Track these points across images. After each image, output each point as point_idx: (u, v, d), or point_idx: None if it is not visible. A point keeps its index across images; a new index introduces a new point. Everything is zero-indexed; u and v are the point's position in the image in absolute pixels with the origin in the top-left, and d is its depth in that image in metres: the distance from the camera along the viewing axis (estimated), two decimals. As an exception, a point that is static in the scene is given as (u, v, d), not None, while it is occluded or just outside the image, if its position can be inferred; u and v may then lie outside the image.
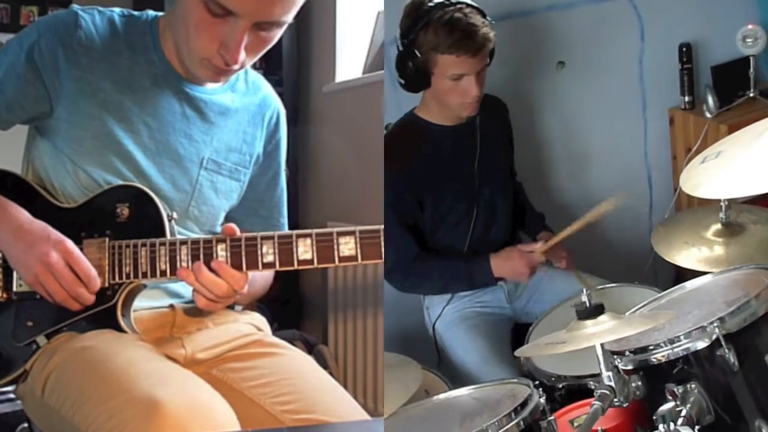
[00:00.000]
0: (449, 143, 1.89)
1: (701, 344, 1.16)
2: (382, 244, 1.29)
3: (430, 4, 1.74)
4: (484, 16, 1.76)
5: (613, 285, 1.84)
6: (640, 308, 1.41)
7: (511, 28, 1.97)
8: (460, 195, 1.91)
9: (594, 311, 1.19)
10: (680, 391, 1.16)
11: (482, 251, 1.94)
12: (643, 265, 2.05)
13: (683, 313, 1.27)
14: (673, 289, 1.43)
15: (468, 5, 1.76)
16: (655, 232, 1.71)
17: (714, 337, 1.15)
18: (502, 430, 1.17)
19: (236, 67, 1.32)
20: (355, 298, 2.62)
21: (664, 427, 1.11)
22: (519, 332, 1.91)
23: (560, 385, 1.54)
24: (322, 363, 2.62)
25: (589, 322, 1.19)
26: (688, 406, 1.14)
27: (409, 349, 1.68)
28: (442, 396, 1.46)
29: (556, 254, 2.00)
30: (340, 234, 1.29)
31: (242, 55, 1.29)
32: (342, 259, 1.29)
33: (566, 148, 2.43)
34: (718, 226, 1.63)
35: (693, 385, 1.16)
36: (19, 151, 1.49)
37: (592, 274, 1.96)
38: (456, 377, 1.77)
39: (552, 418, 1.25)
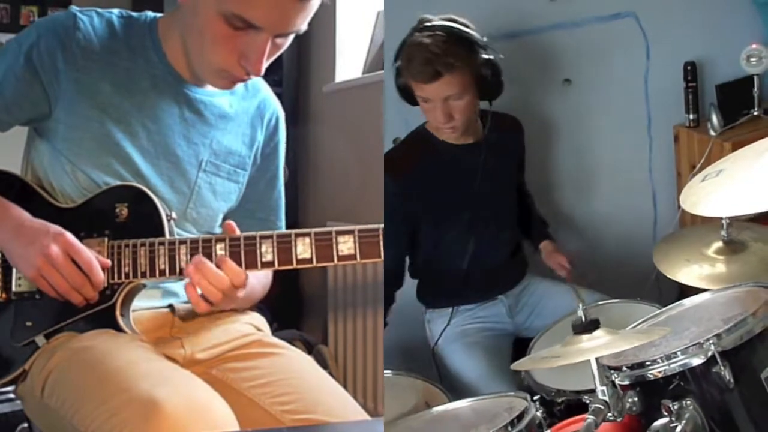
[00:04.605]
0: (453, 160, 1.90)
1: (697, 361, 1.16)
2: (381, 242, 1.29)
3: (422, 25, 1.76)
4: (464, 42, 1.74)
5: (615, 301, 1.84)
6: (638, 324, 1.41)
7: (518, 47, 1.98)
8: (459, 212, 1.91)
9: (589, 326, 1.20)
10: (676, 407, 1.16)
11: (483, 268, 1.94)
12: (646, 282, 2.06)
13: (680, 329, 1.27)
14: (672, 305, 1.43)
15: (449, 31, 1.74)
16: (657, 249, 1.70)
17: (710, 353, 1.15)
18: None
19: (258, 76, 1.34)
20: (355, 298, 2.62)
21: None
22: (521, 347, 1.91)
23: (560, 400, 1.53)
24: (322, 363, 2.62)
25: (584, 337, 1.20)
26: (684, 422, 1.14)
27: (410, 362, 1.69)
28: (440, 408, 1.47)
29: (558, 263, 2.00)
30: (339, 233, 1.29)
31: (264, 65, 1.30)
32: (341, 258, 1.29)
33: (571, 164, 2.44)
34: (720, 243, 1.62)
35: (689, 402, 1.16)
36: (19, 152, 1.49)
37: (594, 290, 1.95)
38: (456, 392, 1.78)
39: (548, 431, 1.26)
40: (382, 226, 1.29)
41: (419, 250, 1.95)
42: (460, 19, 1.78)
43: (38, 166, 1.42)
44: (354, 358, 2.64)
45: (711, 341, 1.15)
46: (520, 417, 1.24)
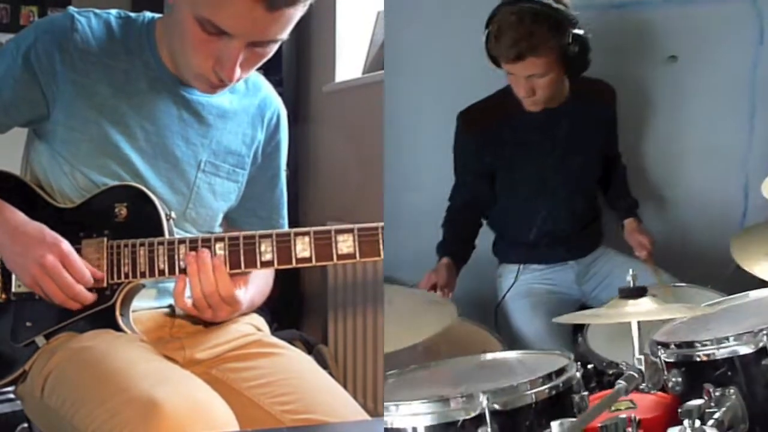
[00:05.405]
0: (531, 123, 1.91)
1: (747, 349, 1.14)
2: (381, 241, 1.29)
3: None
4: (552, 21, 1.74)
5: (683, 285, 1.83)
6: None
7: (625, 19, 1.94)
8: (533, 174, 1.93)
9: (636, 292, 1.21)
10: (717, 393, 1.15)
11: (553, 232, 1.97)
12: (724, 271, 2.05)
13: (738, 318, 1.26)
14: (736, 295, 1.42)
15: (536, 9, 1.74)
16: (735, 239, 1.64)
17: (761, 344, 1.13)
18: (533, 391, 1.16)
19: (231, 83, 1.33)
20: (355, 298, 2.62)
21: (688, 423, 1.07)
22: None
23: (611, 371, 1.53)
24: (322, 363, 2.62)
25: (629, 302, 1.20)
26: (723, 410, 1.12)
27: (481, 315, 1.67)
28: (489, 356, 1.46)
29: (639, 242, 1.99)
30: (339, 232, 1.29)
31: (237, 72, 1.29)
32: (340, 257, 1.29)
33: (664, 143, 2.40)
34: None
35: (732, 391, 1.15)
36: (19, 153, 1.49)
37: (668, 272, 1.93)
38: (513, 347, 1.77)
39: (585, 393, 1.23)
40: (381, 224, 1.29)
41: (495, 202, 1.99)
42: None
43: (37, 167, 1.42)
44: (354, 358, 2.63)
45: (765, 332, 1.14)
46: (558, 372, 1.23)
